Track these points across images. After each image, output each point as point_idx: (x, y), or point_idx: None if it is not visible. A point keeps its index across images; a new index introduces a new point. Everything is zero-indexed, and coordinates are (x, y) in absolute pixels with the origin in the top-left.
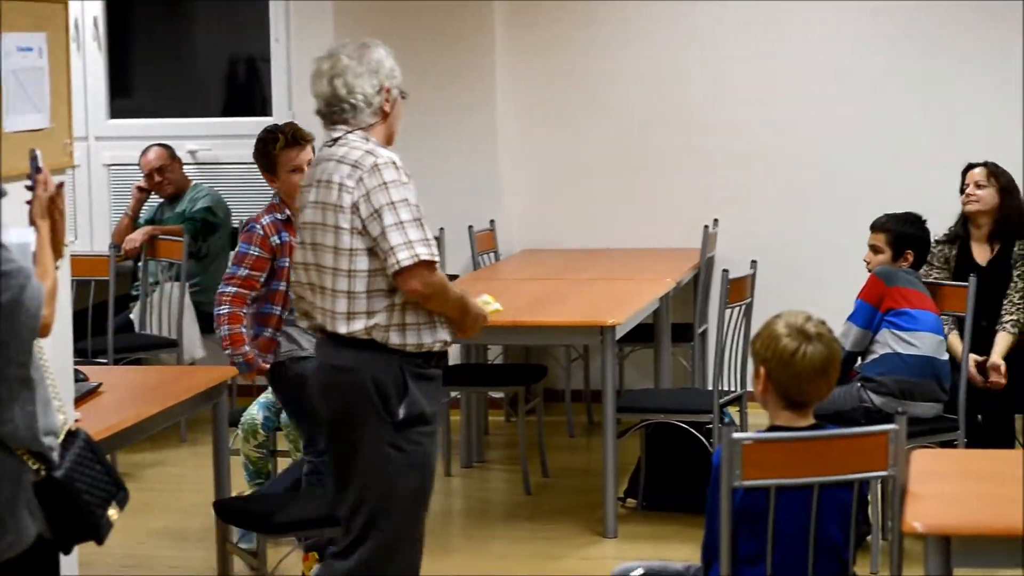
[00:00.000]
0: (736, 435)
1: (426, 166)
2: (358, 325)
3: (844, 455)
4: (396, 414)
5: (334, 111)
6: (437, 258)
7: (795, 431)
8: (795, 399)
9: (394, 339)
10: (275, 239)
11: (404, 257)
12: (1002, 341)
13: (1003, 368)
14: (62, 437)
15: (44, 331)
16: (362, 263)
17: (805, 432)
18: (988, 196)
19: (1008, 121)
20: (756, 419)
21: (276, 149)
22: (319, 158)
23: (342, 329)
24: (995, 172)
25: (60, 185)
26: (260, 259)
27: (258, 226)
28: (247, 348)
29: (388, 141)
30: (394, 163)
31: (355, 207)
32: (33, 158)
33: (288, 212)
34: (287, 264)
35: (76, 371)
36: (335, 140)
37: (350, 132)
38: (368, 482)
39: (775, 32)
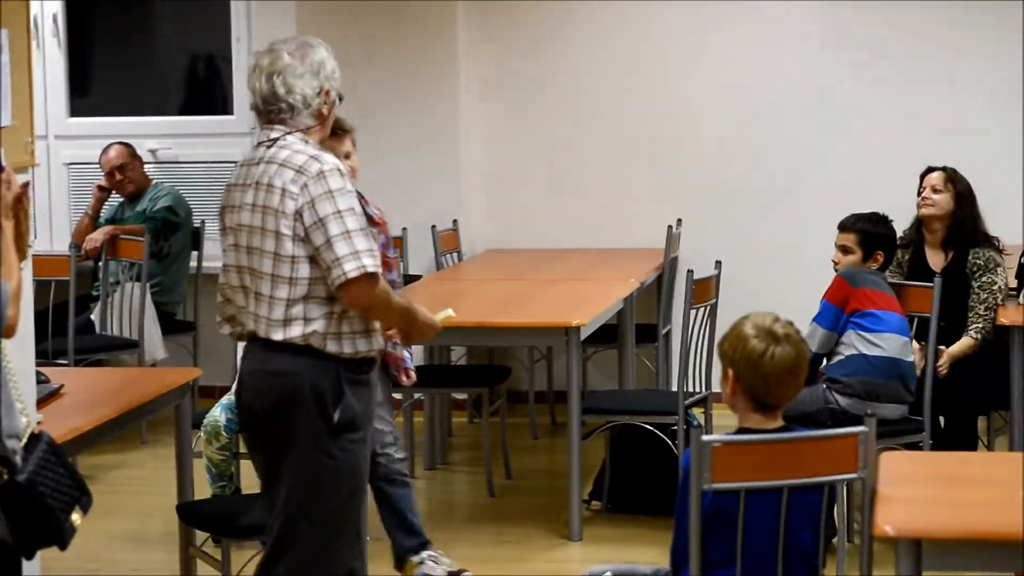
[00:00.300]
0: (705, 437)
1: (389, 166)
2: (295, 331)
3: (814, 457)
4: (331, 420)
5: (271, 110)
6: (380, 269)
7: (765, 433)
8: (764, 401)
9: (331, 347)
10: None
11: (351, 268)
12: (962, 342)
13: (944, 359)
14: (25, 440)
15: (9, 332)
16: (303, 270)
17: (775, 434)
18: (944, 201)
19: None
20: (721, 420)
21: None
22: (255, 158)
23: (277, 336)
24: (953, 177)
25: (25, 185)
26: None
27: None
28: None
29: (322, 144)
30: (339, 170)
31: (299, 214)
32: None
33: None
34: None
35: (37, 373)
36: (273, 141)
37: (289, 134)
38: (295, 487)
39: (744, 32)
